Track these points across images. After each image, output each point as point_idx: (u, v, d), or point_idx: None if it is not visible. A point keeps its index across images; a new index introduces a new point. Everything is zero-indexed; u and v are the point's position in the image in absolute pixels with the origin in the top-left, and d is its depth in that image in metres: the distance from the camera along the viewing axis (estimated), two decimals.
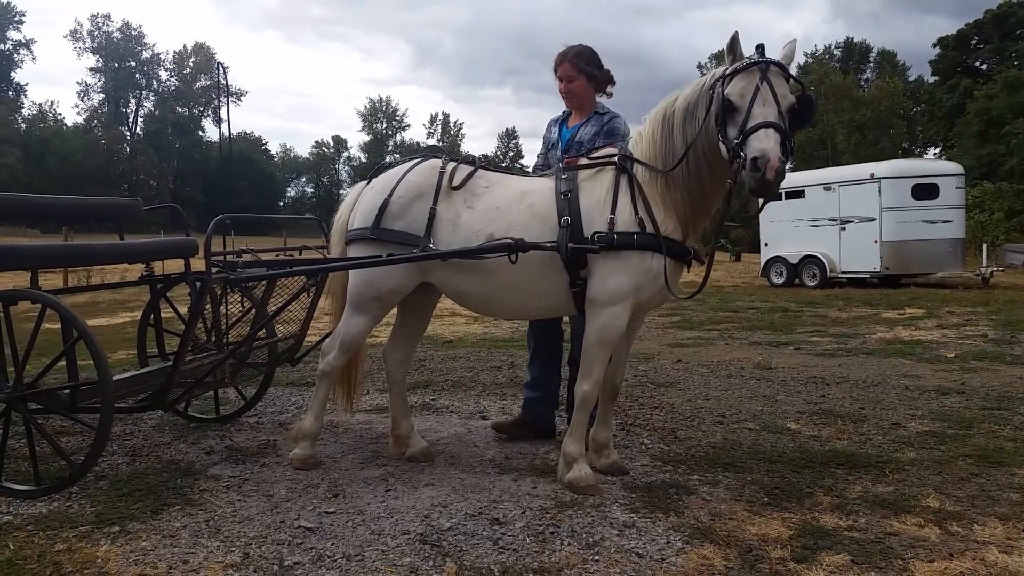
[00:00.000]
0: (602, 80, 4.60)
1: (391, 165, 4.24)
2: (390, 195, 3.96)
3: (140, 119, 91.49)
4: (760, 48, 3.39)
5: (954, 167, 18.17)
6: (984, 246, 19.42)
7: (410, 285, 4.03)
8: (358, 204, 4.14)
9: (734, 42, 3.41)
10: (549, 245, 3.67)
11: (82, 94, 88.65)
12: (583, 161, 3.94)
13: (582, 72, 4.52)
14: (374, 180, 4.16)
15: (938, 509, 3.52)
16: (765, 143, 3.19)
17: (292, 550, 3.08)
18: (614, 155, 3.83)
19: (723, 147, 3.39)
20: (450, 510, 3.51)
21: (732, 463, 4.21)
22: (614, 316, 3.69)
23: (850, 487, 3.83)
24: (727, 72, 3.40)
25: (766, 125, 3.23)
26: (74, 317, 3.69)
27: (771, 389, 6.20)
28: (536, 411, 4.78)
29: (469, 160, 4.13)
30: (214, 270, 4.00)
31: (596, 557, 3.03)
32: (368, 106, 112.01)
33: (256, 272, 4.25)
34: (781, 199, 17.73)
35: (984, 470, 4.09)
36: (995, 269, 18.10)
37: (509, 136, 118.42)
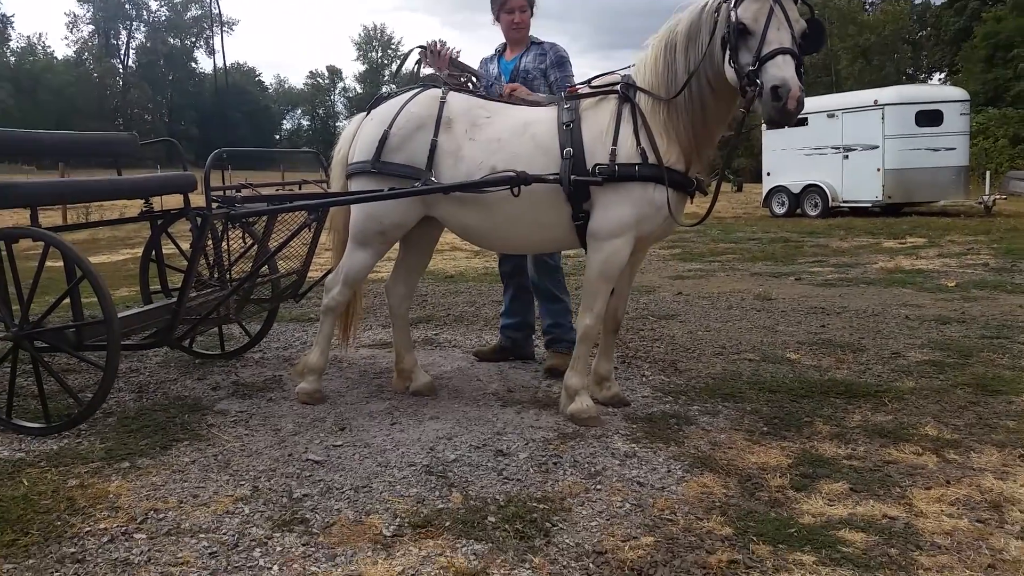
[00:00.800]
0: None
1: (389, 96, 4.16)
2: (390, 127, 3.90)
3: (132, 51, 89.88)
4: None
5: (959, 93, 17.89)
6: (988, 173, 19.27)
7: (413, 219, 4.01)
8: (357, 137, 4.08)
9: None
10: (551, 177, 3.63)
11: (71, 26, 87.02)
12: (585, 89, 3.86)
13: (530, 4, 4.65)
14: (373, 112, 4.09)
15: (936, 437, 3.57)
16: (785, 71, 3.12)
17: (301, 482, 3.14)
18: (616, 83, 3.74)
19: (731, 72, 3.31)
20: (455, 442, 3.57)
21: (732, 393, 4.26)
22: (616, 249, 3.67)
23: (849, 416, 3.88)
24: None
25: (783, 51, 3.15)
26: (77, 255, 3.68)
27: (771, 320, 6.23)
28: (512, 336, 5.03)
29: (468, 89, 4.05)
30: (214, 205, 3.98)
31: (598, 486, 3.09)
32: (363, 34, 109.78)
33: (256, 207, 4.22)
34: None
35: (982, 398, 4.14)
36: (998, 197, 17.98)
37: None
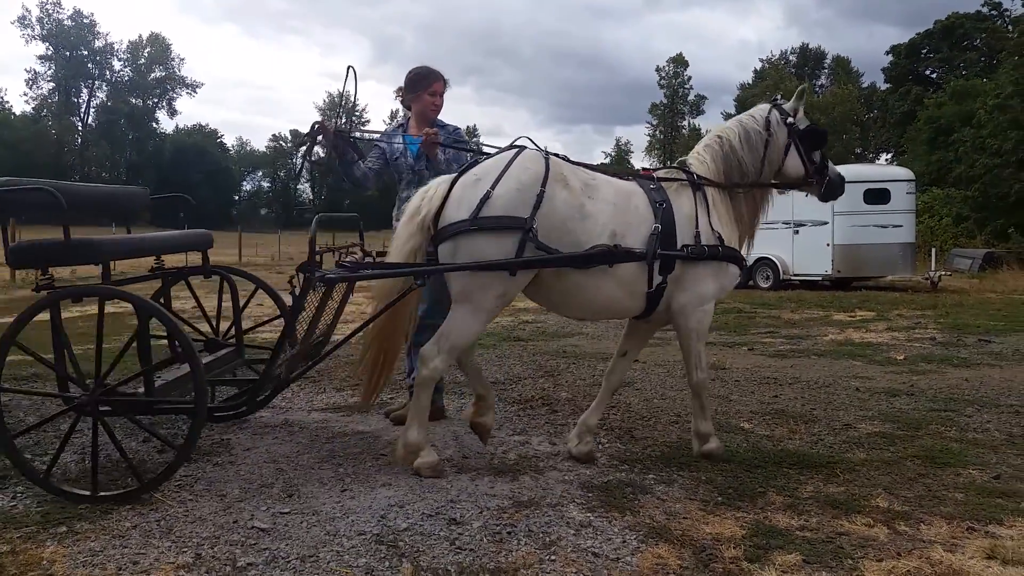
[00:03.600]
0: None
1: (478, 160, 4.09)
2: (493, 186, 3.78)
3: (92, 109, 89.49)
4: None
5: (905, 173, 18.56)
6: (933, 250, 19.87)
7: (527, 280, 3.91)
8: (455, 197, 3.85)
9: (803, 92, 4.47)
10: (639, 252, 3.90)
11: (31, 82, 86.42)
12: (660, 174, 4.29)
13: (446, 89, 5.09)
14: (469, 172, 3.94)
15: (887, 509, 3.60)
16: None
17: (245, 551, 3.04)
18: (681, 172, 4.24)
19: (799, 166, 4.38)
20: (407, 510, 3.50)
21: (687, 462, 4.26)
22: (706, 313, 4.19)
23: (802, 487, 3.90)
24: (798, 110, 4.42)
25: None
26: (176, 326, 3.68)
27: (725, 389, 6.28)
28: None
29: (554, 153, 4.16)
30: (324, 268, 3.96)
31: (552, 557, 3.04)
32: (327, 100, 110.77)
33: (377, 272, 4.03)
34: None
35: (931, 470, 4.19)
36: (943, 273, 18.53)
37: (470, 134, 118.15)
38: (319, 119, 4.68)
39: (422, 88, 5.00)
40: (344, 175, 4.98)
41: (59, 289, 3.76)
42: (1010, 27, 43.58)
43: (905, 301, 14.50)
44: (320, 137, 4.74)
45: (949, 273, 20.06)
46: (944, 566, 3.00)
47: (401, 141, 5.01)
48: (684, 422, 5.17)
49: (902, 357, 8.02)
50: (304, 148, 4.77)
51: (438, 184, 3.98)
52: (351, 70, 4.63)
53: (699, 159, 4.29)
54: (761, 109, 4.42)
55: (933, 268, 18.30)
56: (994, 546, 3.16)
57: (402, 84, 5.08)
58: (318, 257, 4.00)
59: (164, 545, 3.08)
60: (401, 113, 5.29)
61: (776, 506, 3.62)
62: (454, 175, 3.98)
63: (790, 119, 4.35)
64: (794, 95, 4.45)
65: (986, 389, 6.37)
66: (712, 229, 4.07)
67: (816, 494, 3.79)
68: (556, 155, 4.06)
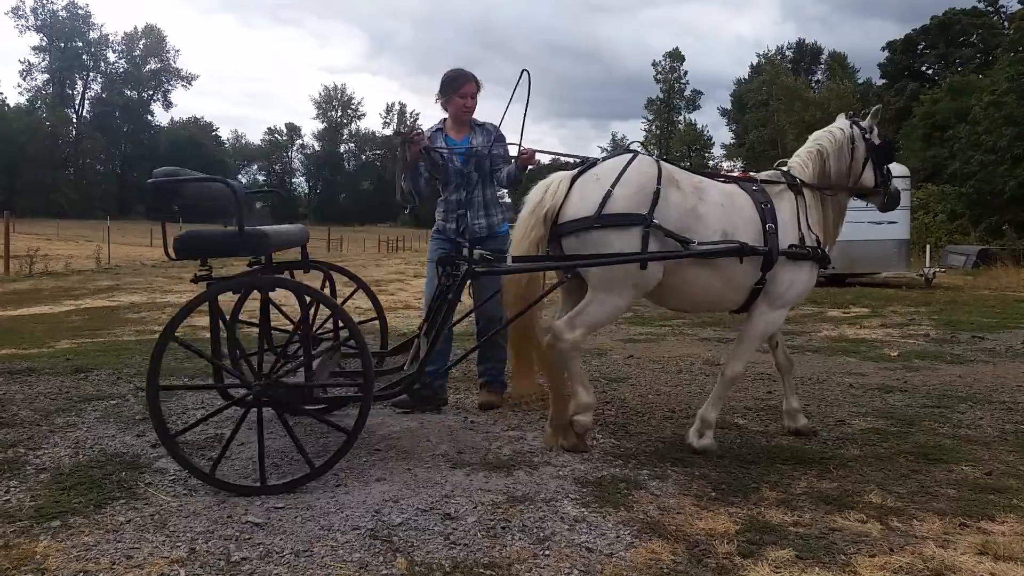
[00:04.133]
0: None
1: (594, 162, 4.32)
2: (613, 185, 4.03)
3: (87, 101, 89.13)
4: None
5: (900, 169, 18.54)
6: (928, 247, 19.94)
7: (659, 273, 4.15)
8: (576, 194, 4.13)
9: (878, 111, 4.85)
10: (762, 249, 4.16)
11: (25, 73, 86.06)
12: (763, 176, 4.59)
13: (478, 89, 5.20)
14: (589, 172, 4.21)
15: (879, 505, 3.61)
16: None
17: (239, 545, 3.04)
18: (779, 175, 4.55)
19: (872, 178, 4.74)
20: (401, 505, 3.50)
21: (681, 458, 4.27)
22: (781, 315, 4.47)
23: (795, 483, 3.91)
24: (873, 128, 4.76)
25: None
26: (348, 316, 3.83)
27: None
28: (436, 385, 5.22)
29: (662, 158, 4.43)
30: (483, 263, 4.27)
31: (546, 552, 3.05)
32: (323, 93, 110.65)
33: (538, 264, 4.21)
34: None
35: (924, 467, 4.21)
36: (937, 270, 18.59)
37: None
38: (406, 129, 4.81)
39: (453, 91, 5.13)
40: (414, 185, 5.14)
41: (224, 280, 3.87)
42: (1006, 23, 43.64)
43: (899, 298, 14.54)
44: (404, 146, 4.91)
45: (943, 270, 20.14)
46: (936, 562, 3.01)
47: (469, 148, 5.16)
48: (678, 418, 5.18)
49: (896, 353, 8.05)
50: (392, 154, 4.99)
51: (559, 180, 4.23)
52: (525, 73, 4.71)
53: (801, 164, 4.62)
54: (845, 123, 4.75)
55: (927, 265, 18.34)
56: (986, 542, 3.18)
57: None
58: None
59: (158, 539, 3.08)
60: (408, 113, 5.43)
61: (769, 502, 3.63)
62: (573, 172, 4.26)
63: (867, 134, 4.71)
64: (870, 114, 4.83)
65: (979, 386, 6.40)
66: (810, 231, 4.41)
67: (809, 490, 3.80)
68: (667, 160, 4.36)
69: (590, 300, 4.17)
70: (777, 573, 2.90)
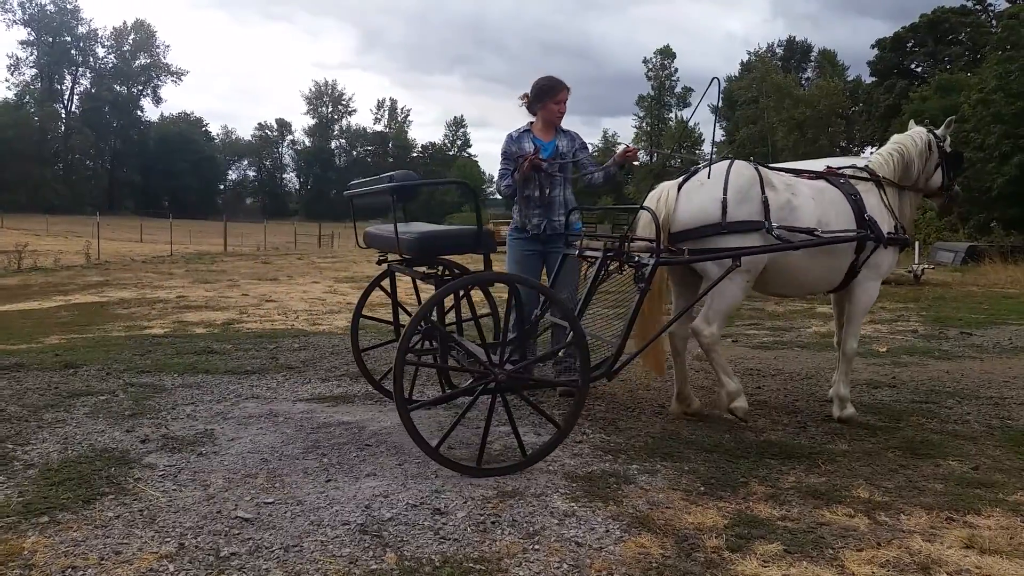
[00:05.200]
0: None
1: (695, 169, 4.86)
2: (725, 192, 4.51)
3: (76, 96, 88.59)
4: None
5: None
6: (917, 244, 20.01)
7: (762, 264, 4.68)
8: (685, 200, 4.65)
9: (951, 122, 5.51)
10: (873, 236, 4.77)
11: (12, 68, 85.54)
12: (847, 171, 5.09)
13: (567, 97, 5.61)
14: (695, 179, 4.72)
15: (867, 499, 3.64)
16: None
17: (229, 541, 3.04)
18: (861, 170, 5.10)
19: (939, 180, 5.32)
20: (391, 500, 3.50)
21: (670, 453, 4.28)
22: (877, 288, 5.12)
23: (784, 477, 3.93)
24: (947, 136, 5.37)
25: None
26: (570, 310, 4.25)
27: (709, 380, 6.30)
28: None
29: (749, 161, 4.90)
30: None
31: (536, 546, 3.06)
32: (313, 89, 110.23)
33: (710, 255, 4.56)
34: None
35: (911, 462, 4.24)
36: (926, 267, 18.66)
37: (457, 124, 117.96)
38: (531, 156, 5.38)
39: (548, 98, 5.53)
40: (516, 191, 5.57)
41: (473, 274, 4.32)
42: (994, 22, 43.87)
43: (888, 294, 14.60)
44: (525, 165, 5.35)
45: (932, 267, 20.21)
46: (923, 556, 3.03)
47: (567, 158, 5.56)
48: (667, 414, 5.19)
49: (884, 349, 8.09)
50: (516, 173, 5.46)
51: (668, 189, 4.77)
52: (716, 80, 4.90)
53: (883, 161, 5.18)
54: (922, 131, 5.34)
55: (917, 262, 18.42)
56: (972, 536, 3.20)
57: (527, 92, 5.63)
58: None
59: (147, 535, 3.07)
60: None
61: (758, 496, 3.65)
62: (679, 180, 4.78)
63: (941, 142, 5.31)
64: (943, 125, 5.43)
65: (967, 381, 6.44)
66: (894, 220, 4.99)
67: (798, 484, 3.82)
68: (756, 162, 4.85)
69: (713, 295, 4.62)
70: (765, 567, 2.92)
